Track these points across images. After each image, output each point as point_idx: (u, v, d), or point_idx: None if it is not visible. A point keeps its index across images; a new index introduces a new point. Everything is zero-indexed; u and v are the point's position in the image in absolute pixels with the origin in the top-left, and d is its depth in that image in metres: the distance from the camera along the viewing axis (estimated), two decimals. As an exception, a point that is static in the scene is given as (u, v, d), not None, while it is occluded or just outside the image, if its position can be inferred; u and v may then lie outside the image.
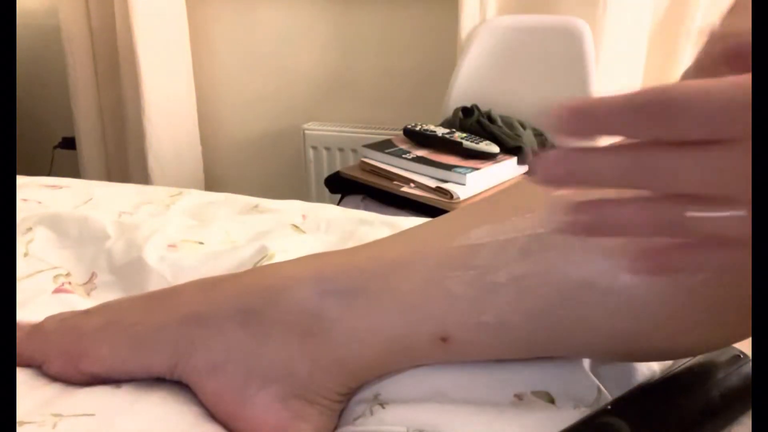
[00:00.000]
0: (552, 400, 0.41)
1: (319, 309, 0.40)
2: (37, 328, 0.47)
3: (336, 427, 0.42)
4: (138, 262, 0.60)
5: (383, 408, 0.41)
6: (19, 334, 0.47)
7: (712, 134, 0.21)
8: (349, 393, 0.42)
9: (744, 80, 0.21)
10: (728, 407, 0.38)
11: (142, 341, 0.43)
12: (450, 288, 0.38)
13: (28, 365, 0.46)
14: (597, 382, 0.42)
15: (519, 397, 0.41)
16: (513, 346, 0.40)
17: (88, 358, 0.44)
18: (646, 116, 0.21)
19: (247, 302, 0.41)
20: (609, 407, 0.38)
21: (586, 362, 0.44)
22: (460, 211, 0.46)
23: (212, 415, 0.41)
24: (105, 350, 0.44)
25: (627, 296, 0.35)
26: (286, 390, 0.40)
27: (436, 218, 0.45)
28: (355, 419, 0.41)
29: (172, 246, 0.64)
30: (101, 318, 0.45)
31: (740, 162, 0.21)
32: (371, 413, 0.41)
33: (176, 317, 0.43)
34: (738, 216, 0.22)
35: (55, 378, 0.45)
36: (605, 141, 0.24)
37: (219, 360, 0.41)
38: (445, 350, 0.39)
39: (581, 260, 0.36)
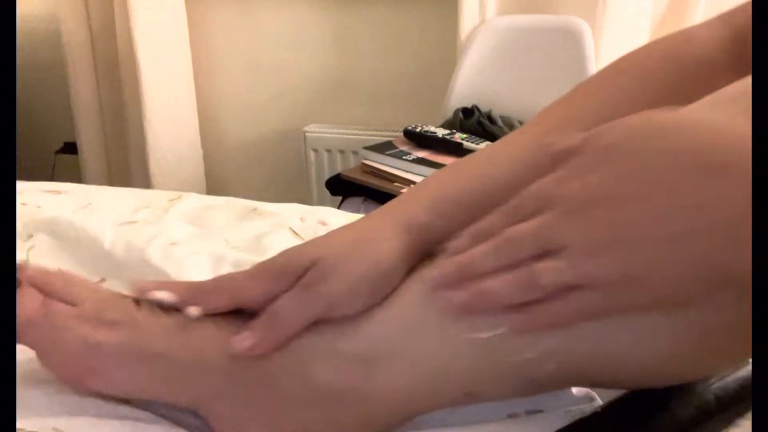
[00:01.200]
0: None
1: (337, 380, 0.39)
2: (46, 315, 0.41)
3: None
4: (140, 262, 0.61)
5: None
6: (22, 310, 0.41)
7: (534, 210, 0.33)
8: None
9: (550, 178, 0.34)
10: (723, 410, 0.37)
11: (165, 377, 0.40)
12: (469, 353, 0.37)
13: (22, 344, 0.42)
14: (593, 392, 0.42)
15: (513, 415, 0.41)
16: (534, 391, 0.39)
17: (101, 379, 0.41)
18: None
19: (270, 369, 0.40)
20: (600, 410, 0.37)
21: None
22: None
23: None
24: (122, 376, 0.41)
25: (647, 335, 0.35)
26: None
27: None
28: None
29: (173, 243, 0.64)
30: (123, 337, 0.41)
31: (551, 221, 0.32)
32: None
33: (202, 361, 0.40)
34: (565, 262, 0.32)
35: (51, 371, 0.42)
36: None
37: (242, 416, 0.40)
38: (468, 400, 0.39)
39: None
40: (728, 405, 0.38)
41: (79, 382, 0.41)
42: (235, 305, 0.41)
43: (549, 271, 0.32)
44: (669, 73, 0.49)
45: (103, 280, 0.61)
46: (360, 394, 0.38)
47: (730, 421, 0.38)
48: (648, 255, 0.30)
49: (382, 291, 0.40)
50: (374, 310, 0.41)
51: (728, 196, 0.28)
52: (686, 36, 0.52)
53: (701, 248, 0.29)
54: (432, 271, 0.37)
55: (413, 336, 0.38)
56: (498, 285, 0.34)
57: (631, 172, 0.31)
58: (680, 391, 0.38)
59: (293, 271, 0.40)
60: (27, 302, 0.41)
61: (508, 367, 0.37)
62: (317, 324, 0.40)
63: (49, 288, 0.43)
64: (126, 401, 0.42)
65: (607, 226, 0.31)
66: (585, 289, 0.32)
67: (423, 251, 0.42)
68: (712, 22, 0.52)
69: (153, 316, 0.43)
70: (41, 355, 0.42)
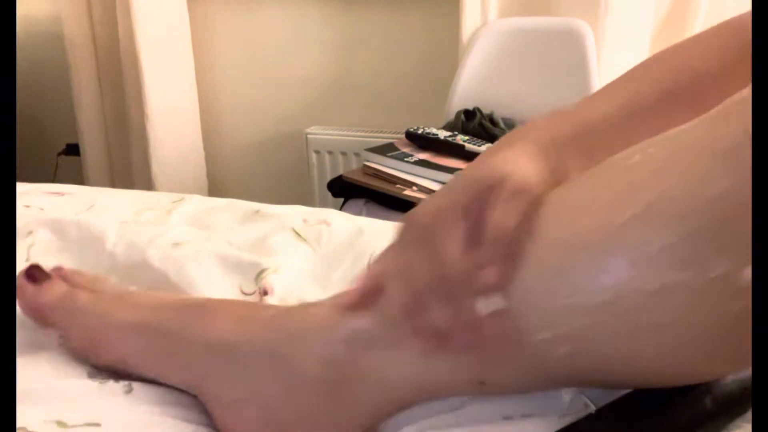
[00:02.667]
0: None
1: (349, 359, 0.39)
2: (68, 298, 0.47)
3: None
4: (141, 263, 0.61)
5: None
6: (49, 295, 0.47)
7: None
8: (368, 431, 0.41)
9: None
10: (720, 413, 0.37)
11: (169, 355, 0.43)
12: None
13: (49, 327, 0.47)
14: (586, 398, 0.42)
15: (508, 418, 0.41)
16: (547, 382, 0.39)
17: (110, 350, 0.44)
18: None
19: (277, 345, 0.40)
20: (593, 413, 0.37)
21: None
22: None
23: None
24: (129, 349, 0.44)
25: (655, 341, 0.34)
26: None
27: None
28: None
29: (176, 244, 0.64)
30: (133, 315, 0.45)
31: None
32: None
33: (205, 342, 0.42)
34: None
35: (70, 348, 0.46)
36: None
37: (241, 396, 0.40)
38: (480, 390, 0.39)
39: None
40: (726, 407, 0.37)
41: (94, 354, 0.45)
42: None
43: None
44: (681, 84, 0.48)
45: None
46: (370, 377, 0.38)
47: (727, 424, 0.38)
48: None
49: None
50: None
51: None
52: (697, 47, 0.50)
53: None
54: None
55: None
56: None
57: None
58: (677, 392, 0.38)
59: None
60: (55, 290, 0.48)
61: (521, 350, 0.37)
62: (328, 303, 0.42)
63: (76, 282, 0.49)
64: (129, 390, 0.43)
65: None
66: None
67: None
68: (721, 29, 0.50)
69: (166, 300, 0.48)
70: (64, 334, 0.46)
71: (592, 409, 0.40)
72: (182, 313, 0.45)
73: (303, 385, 0.39)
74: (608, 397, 0.41)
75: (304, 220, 0.73)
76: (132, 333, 0.44)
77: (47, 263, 0.63)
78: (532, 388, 0.40)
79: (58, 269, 0.51)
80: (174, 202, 0.81)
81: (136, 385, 0.44)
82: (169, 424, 0.41)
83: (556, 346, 0.36)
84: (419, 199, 1.16)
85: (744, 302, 0.31)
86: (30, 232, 0.69)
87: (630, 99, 0.45)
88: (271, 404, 0.40)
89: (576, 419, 0.38)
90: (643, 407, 0.37)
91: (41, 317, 0.48)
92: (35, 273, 0.49)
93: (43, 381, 0.44)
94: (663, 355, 0.35)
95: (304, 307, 0.44)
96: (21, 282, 0.48)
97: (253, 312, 0.45)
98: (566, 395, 0.42)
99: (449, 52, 1.60)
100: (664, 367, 0.36)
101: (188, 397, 0.44)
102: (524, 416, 0.40)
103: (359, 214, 1.17)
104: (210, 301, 0.47)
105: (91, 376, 0.45)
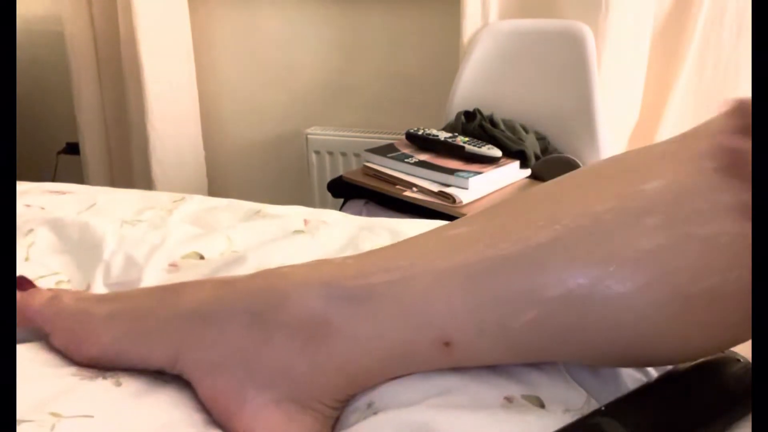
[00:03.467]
0: (542, 405, 0.41)
1: (324, 314, 0.40)
2: (53, 300, 0.50)
3: None
4: (137, 283, 0.61)
5: (376, 415, 0.41)
6: (36, 298, 0.50)
7: None
8: (346, 399, 0.42)
9: None
10: (725, 411, 0.38)
11: (146, 334, 0.44)
12: (452, 295, 0.38)
13: (34, 329, 0.49)
14: (584, 391, 0.42)
15: (509, 399, 0.41)
16: (513, 351, 0.40)
17: (91, 342, 0.46)
18: None
19: (253, 304, 0.42)
20: (603, 409, 0.38)
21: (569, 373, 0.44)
22: (466, 219, 0.46)
23: (211, 417, 0.42)
24: (108, 338, 0.45)
25: (625, 305, 0.35)
26: (283, 394, 0.40)
27: (440, 226, 0.46)
28: (349, 427, 0.41)
29: (172, 266, 0.64)
30: (111, 306, 0.47)
31: None
32: (365, 420, 0.41)
33: (181, 313, 0.44)
34: None
35: (57, 350, 0.47)
36: None
37: (219, 359, 0.41)
38: (446, 355, 0.40)
39: (580, 270, 0.36)
40: (730, 406, 0.38)
41: (77, 351, 0.46)
42: None
43: None
44: None
45: (89, 287, 0.61)
46: (344, 334, 0.39)
47: (731, 422, 0.38)
48: None
49: None
50: (367, 253, 0.44)
51: None
52: None
53: None
54: None
55: (398, 278, 0.40)
56: None
57: None
58: (683, 392, 0.38)
59: None
60: (41, 294, 0.51)
61: (486, 310, 0.38)
62: (308, 264, 0.44)
63: (59, 292, 0.52)
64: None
65: None
66: None
67: None
68: None
69: (142, 289, 0.51)
70: (50, 331, 0.48)
71: (594, 404, 0.40)
72: (157, 294, 0.47)
73: (276, 339, 0.40)
74: (614, 393, 0.41)
75: (305, 221, 0.73)
76: (110, 322, 0.46)
77: (46, 265, 0.63)
78: (503, 356, 0.41)
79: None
80: (175, 201, 0.82)
81: (124, 379, 0.45)
82: (158, 411, 0.41)
83: (523, 308, 0.37)
84: (419, 200, 1.16)
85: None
86: (30, 230, 0.69)
87: None
88: (248, 363, 0.41)
89: (585, 413, 0.38)
90: (650, 403, 0.38)
91: (29, 321, 0.50)
92: (23, 282, 0.54)
93: (34, 375, 0.45)
94: (634, 322, 0.36)
95: (277, 269, 0.46)
96: None
97: (226, 280, 0.47)
98: (570, 391, 0.42)
99: (449, 53, 1.60)
100: (639, 335, 0.36)
101: (176, 381, 0.44)
102: (525, 397, 0.41)
103: (359, 214, 1.17)
104: (184, 281, 0.49)
105: (78, 375, 0.46)
